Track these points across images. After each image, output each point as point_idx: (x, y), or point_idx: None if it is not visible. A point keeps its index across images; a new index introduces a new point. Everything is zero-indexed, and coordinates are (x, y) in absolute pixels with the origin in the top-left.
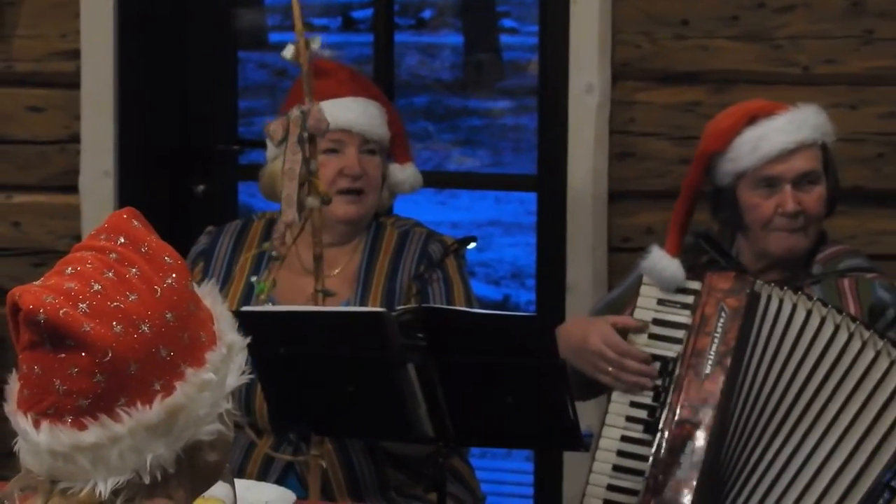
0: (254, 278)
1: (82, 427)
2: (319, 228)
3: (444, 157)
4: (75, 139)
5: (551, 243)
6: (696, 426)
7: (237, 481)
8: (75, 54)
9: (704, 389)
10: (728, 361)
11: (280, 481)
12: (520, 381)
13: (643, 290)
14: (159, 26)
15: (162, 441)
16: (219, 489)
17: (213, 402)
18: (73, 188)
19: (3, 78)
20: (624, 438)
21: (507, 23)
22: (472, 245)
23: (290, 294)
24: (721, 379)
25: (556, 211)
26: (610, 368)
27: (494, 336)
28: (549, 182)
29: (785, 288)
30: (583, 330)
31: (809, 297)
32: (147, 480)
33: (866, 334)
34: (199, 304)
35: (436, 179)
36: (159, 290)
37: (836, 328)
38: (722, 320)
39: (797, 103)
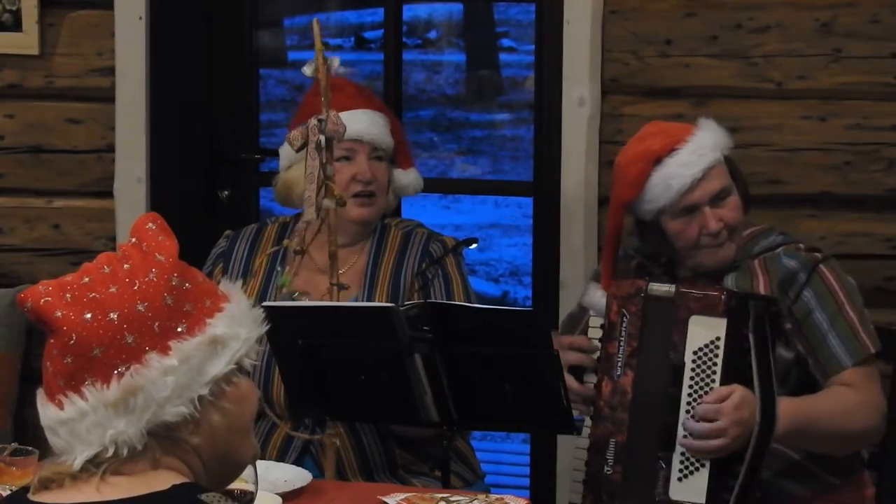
0: (278, 268)
1: (60, 405)
2: (335, 228)
3: (448, 165)
4: (111, 149)
5: (546, 244)
6: (615, 424)
7: (258, 462)
8: (111, 71)
9: (618, 390)
10: (634, 362)
11: (297, 463)
12: (517, 370)
13: (591, 321)
14: (188, 45)
15: (123, 419)
16: None
17: (180, 386)
18: (108, 193)
19: (44, 93)
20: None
21: (506, 42)
22: (473, 245)
23: (306, 290)
24: (631, 378)
25: (550, 214)
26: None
27: (494, 329)
28: (544, 188)
29: (673, 284)
30: None
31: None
32: (110, 453)
33: None
34: (185, 299)
35: (440, 186)
36: (139, 283)
37: None
38: (625, 324)
39: (692, 128)
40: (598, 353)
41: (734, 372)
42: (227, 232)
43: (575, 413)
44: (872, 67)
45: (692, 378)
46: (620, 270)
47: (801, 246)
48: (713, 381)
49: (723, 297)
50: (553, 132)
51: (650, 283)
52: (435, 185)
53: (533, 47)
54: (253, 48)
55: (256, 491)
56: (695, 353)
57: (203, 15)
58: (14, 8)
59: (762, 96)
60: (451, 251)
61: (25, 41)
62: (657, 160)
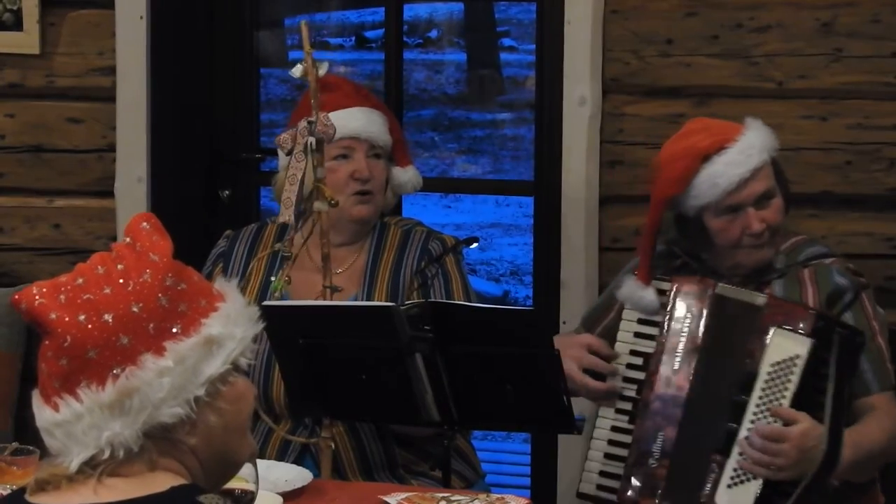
0: (273, 278)
1: (56, 406)
2: (327, 230)
3: (449, 164)
4: (111, 148)
5: (547, 243)
6: (666, 418)
7: (258, 462)
8: (111, 70)
9: (673, 384)
10: (694, 358)
11: (297, 463)
12: (518, 370)
13: (625, 313)
14: (188, 45)
15: (119, 420)
16: (243, 469)
17: (175, 387)
18: (109, 193)
19: (45, 92)
20: (613, 428)
21: (507, 42)
22: (474, 245)
23: (303, 290)
24: (689, 374)
25: (551, 214)
26: (576, 388)
27: (495, 328)
28: (545, 187)
29: (739, 288)
30: (560, 349)
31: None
32: (106, 455)
33: None
34: (179, 299)
35: (441, 185)
36: (133, 284)
37: None
38: (688, 320)
39: (740, 127)
40: (622, 358)
41: (807, 395)
42: (227, 232)
43: (576, 412)
44: (873, 67)
45: (763, 390)
46: (660, 267)
47: (850, 266)
48: (784, 397)
49: (811, 314)
50: (554, 132)
51: (719, 284)
52: (436, 184)
53: (534, 47)
54: (254, 47)
55: (257, 491)
56: (772, 365)
57: (204, 14)
58: (15, 7)
59: (763, 96)
60: (450, 250)
61: (26, 40)
62: (705, 157)
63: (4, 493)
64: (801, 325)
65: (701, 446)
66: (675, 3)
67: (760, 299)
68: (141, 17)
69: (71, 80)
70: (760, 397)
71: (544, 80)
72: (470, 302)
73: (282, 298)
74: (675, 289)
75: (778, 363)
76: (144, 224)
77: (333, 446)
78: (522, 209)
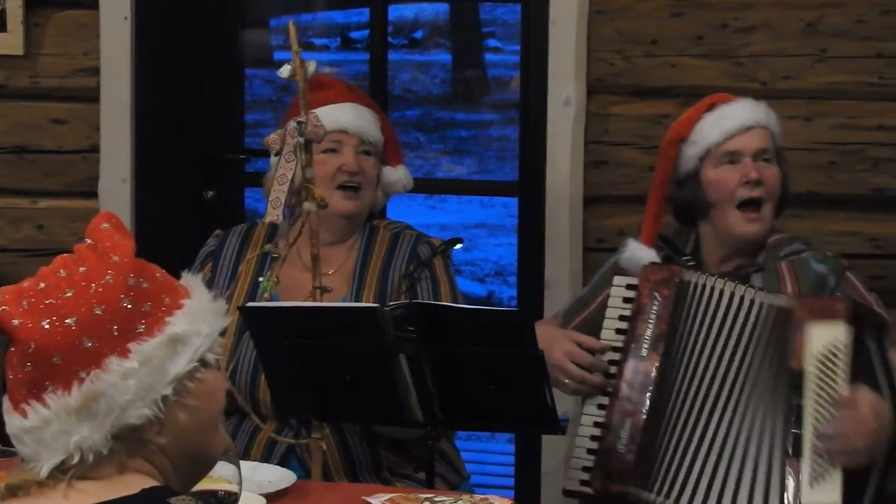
0: (261, 279)
1: (24, 413)
2: (317, 231)
3: (434, 165)
4: (95, 149)
5: (531, 244)
6: (635, 404)
7: (242, 463)
8: (96, 71)
9: (641, 371)
10: (661, 345)
11: (282, 464)
12: (502, 370)
13: (613, 290)
14: (173, 46)
15: (87, 424)
16: (226, 470)
17: (142, 388)
18: (93, 194)
19: (30, 93)
20: (596, 424)
21: (492, 42)
22: (458, 245)
23: (293, 289)
24: (656, 360)
25: (536, 214)
26: (567, 381)
27: (479, 329)
28: (529, 188)
29: (707, 274)
30: (546, 342)
31: (737, 282)
32: (76, 459)
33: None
34: (143, 298)
35: (426, 186)
36: (95, 286)
37: (751, 302)
38: (655, 307)
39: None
40: (606, 353)
41: (860, 378)
42: (217, 231)
43: (560, 412)
44: (858, 67)
45: (816, 384)
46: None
47: (829, 253)
48: (837, 384)
49: (841, 302)
50: (539, 132)
51: (685, 270)
52: (421, 185)
53: (519, 47)
54: (239, 48)
55: (240, 492)
56: (818, 359)
57: (189, 15)
58: None
59: (748, 96)
60: (438, 253)
61: (10, 41)
62: (712, 105)
63: None
64: (835, 313)
65: (663, 431)
66: (661, 3)
67: (784, 300)
68: (126, 18)
69: (55, 80)
70: (817, 392)
71: (529, 81)
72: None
73: (271, 299)
74: (643, 276)
75: (823, 354)
76: (105, 224)
77: (325, 448)
78: (507, 209)
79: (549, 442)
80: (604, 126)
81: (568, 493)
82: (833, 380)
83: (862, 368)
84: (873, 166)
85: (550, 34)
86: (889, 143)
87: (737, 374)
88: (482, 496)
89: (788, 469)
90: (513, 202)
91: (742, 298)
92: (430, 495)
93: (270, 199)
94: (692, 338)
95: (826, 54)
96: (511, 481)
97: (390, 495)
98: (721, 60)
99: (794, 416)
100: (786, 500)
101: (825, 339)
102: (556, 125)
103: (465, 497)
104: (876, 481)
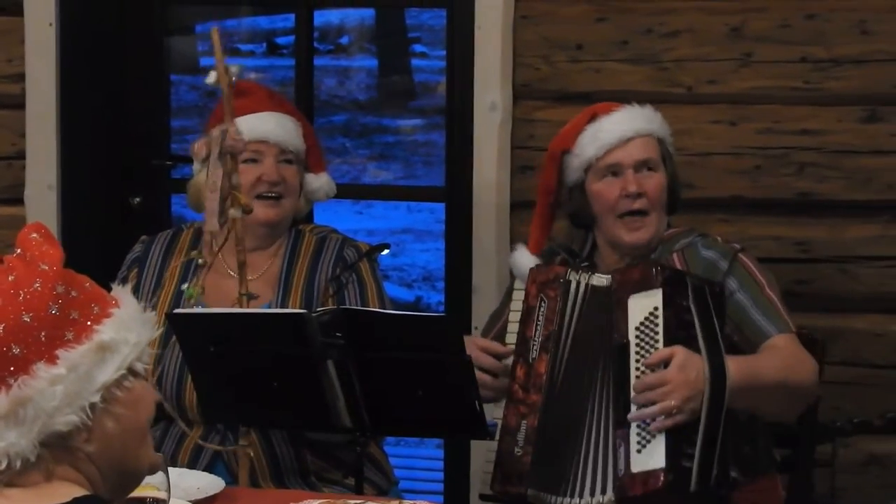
0: (184, 286)
1: None
2: (243, 237)
3: (361, 170)
4: (21, 155)
5: (459, 249)
6: (529, 406)
7: (170, 469)
8: (21, 77)
9: (533, 372)
10: (550, 344)
11: (209, 469)
12: (430, 376)
13: (515, 294)
14: (98, 52)
15: (14, 430)
16: (154, 477)
17: (69, 395)
18: (19, 200)
19: None
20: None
21: (418, 48)
22: (385, 251)
23: (217, 296)
24: (546, 361)
25: (463, 219)
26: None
27: (407, 334)
28: (456, 193)
29: (591, 273)
30: None
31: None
32: (3, 465)
33: None
34: (71, 307)
35: (353, 191)
36: (23, 294)
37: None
38: (542, 308)
39: (633, 103)
40: (510, 358)
41: (677, 338)
42: (143, 237)
43: (488, 418)
44: (782, 72)
45: (637, 353)
46: (543, 265)
47: (719, 239)
48: (655, 348)
49: (655, 270)
50: (465, 137)
51: (569, 270)
52: (347, 190)
53: (444, 52)
54: (164, 54)
55: (169, 498)
56: (637, 328)
57: (114, 21)
58: None
59: (673, 101)
60: (365, 256)
61: None
62: (593, 116)
63: None
64: (652, 282)
65: (558, 429)
66: (585, 8)
67: (605, 280)
68: (50, 24)
69: None
70: (637, 360)
71: (455, 86)
72: (385, 309)
73: (197, 305)
74: (530, 278)
75: (642, 323)
76: (34, 234)
77: (252, 455)
78: (434, 215)
79: (477, 447)
80: (529, 131)
81: (484, 498)
82: (652, 346)
83: (682, 330)
84: (798, 171)
85: (476, 40)
86: (813, 148)
87: (579, 361)
88: (411, 502)
89: (618, 440)
90: (440, 207)
91: (588, 285)
92: (359, 502)
93: (207, 208)
94: (571, 334)
95: (750, 59)
96: (440, 486)
97: (319, 501)
98: (645, 65)
99: (621, 385)
100: (618, 471)
101: (642, 308)
102: (483, 130)
103: (394, 503)
104: (702, 435)
